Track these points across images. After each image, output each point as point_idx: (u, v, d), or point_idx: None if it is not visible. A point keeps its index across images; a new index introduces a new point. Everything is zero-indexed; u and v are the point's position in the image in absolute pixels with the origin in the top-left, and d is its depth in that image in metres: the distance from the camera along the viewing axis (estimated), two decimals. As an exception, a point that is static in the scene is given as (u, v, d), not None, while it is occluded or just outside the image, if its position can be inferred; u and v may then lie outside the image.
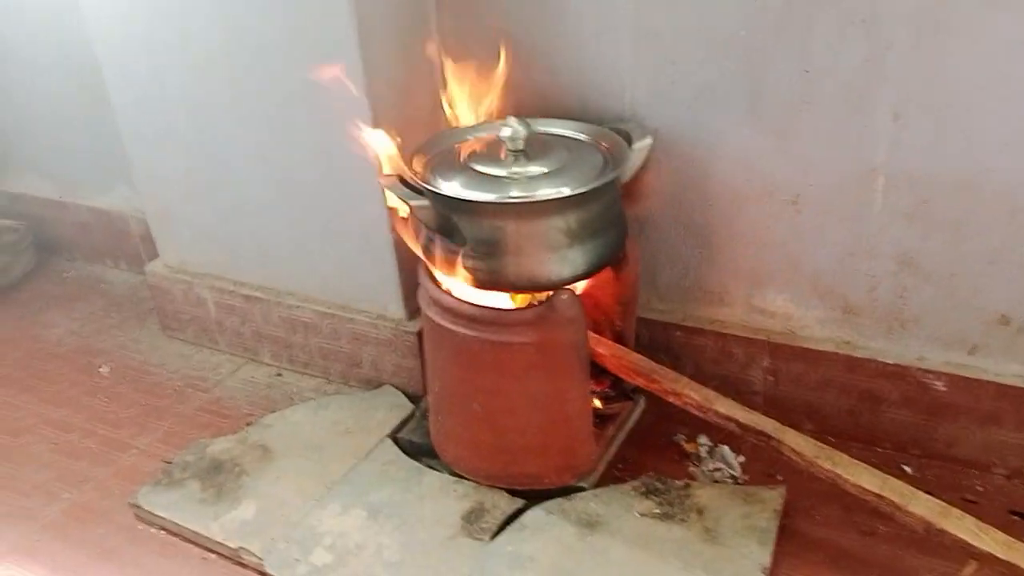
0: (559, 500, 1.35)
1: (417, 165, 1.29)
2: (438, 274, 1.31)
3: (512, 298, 1.31)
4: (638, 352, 1.39)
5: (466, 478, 1.42)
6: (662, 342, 1.57)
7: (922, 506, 1.10)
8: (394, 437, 1.54)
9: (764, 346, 1.48)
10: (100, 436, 1.66)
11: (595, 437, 1.41)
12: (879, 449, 1.46)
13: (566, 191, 1.20)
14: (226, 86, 1.54)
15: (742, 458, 1.45)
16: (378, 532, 1.34)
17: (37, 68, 2.08)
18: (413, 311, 1.61)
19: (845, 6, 1.20)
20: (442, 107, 1.53)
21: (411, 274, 1.50)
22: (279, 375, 1.80)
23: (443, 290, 1.30)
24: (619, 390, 1.50)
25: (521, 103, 1.49)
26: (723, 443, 1.48)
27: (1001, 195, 1.23)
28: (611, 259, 1.31)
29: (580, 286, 1.29)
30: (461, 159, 1.30)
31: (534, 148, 1.27)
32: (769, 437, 1.22)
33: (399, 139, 1.34)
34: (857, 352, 1.42)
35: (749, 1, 1.26)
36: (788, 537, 1.29)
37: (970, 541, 1.07)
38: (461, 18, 1.48)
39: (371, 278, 1.61)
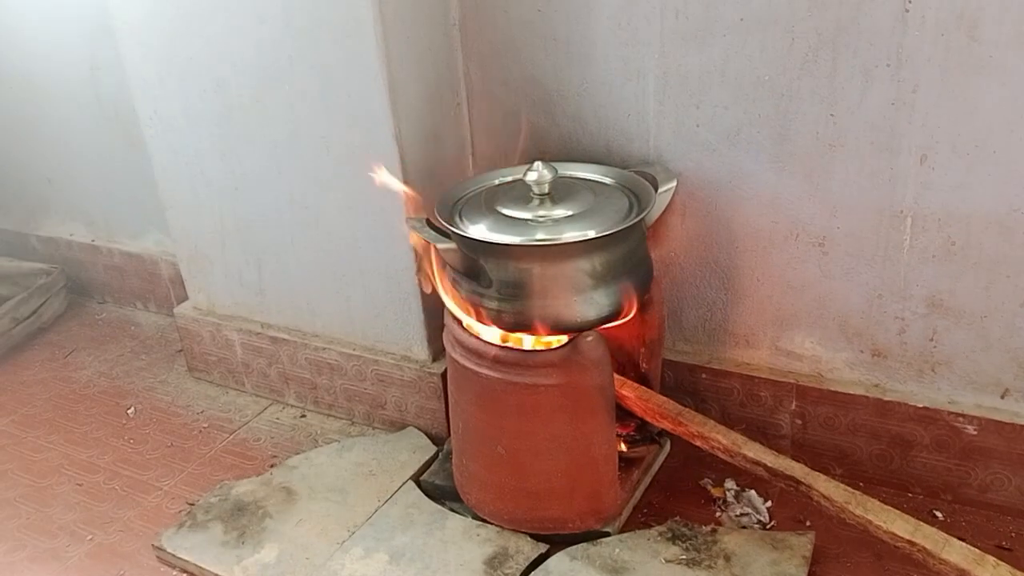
0: (584, 545, 1.34)
1: (444, 208, 1.30)
2: (462, 316, 1.31)
3: (537, 340, 1.31)
4: (663, 394, 1.38)
5: (489, 522, 1.40)
6: (688, 384, 1.56)
7: (956, 553, 1.08)
8: (417, 480, 1.53)
9: (792, 389, 1.47)
10: (125, 477, 1.67)
11: (620, 481, 1.39)
12: (910, 494, 1.43)
13: (591, 233, 1.20)
14: (258, 133, 1.58)
15: (770, 503, 1.43)
16: (401, 576, 1.33)
17: (75, 116, 2.14)
18: (437, 352, 1.62)
19: (870, 50, 1.21)
20: (469, 152, 1.56)
21: (436, 316, 1.51)
22: (303, 416, 1.81)
23: (468, 332, 1.31)
24: (644, 433, 1.48)
25: (547, 147, 1.50)
26: (750, 487, 1.46)
27: (1031, 236, 1.22)
28: (636, 301, 1.31)
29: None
30: (487, 202, 1.31)
31: (560, 191, 1.28)
32: (798, 482, 1.20)
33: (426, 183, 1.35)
34: (887, 395, 1.40)
35: (774, 45, 1.27)
36: (819, 585, 1.27)
37: (1007, 590, 1.04)
38: (487, 66, 1.51)
39: (396, 320, 1.62)
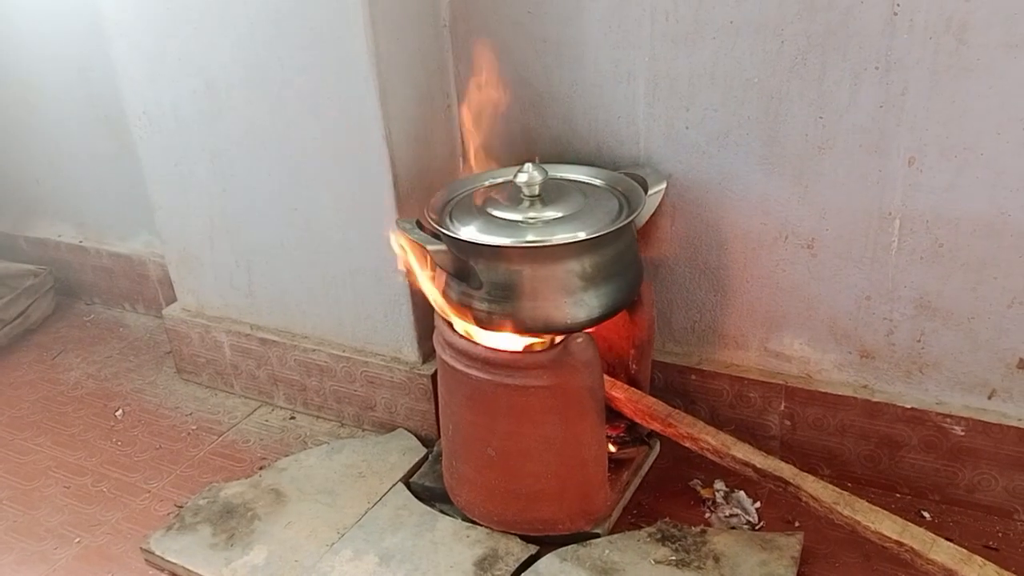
0: (574, 547, 1.34)
1: (434, 210, 1.30)
2: (452, 317, 1.31)
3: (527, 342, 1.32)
4: (653, 396, 1.38)
5: (479, 524, 1.40)
6: (677, 386, 1.56)
7: (943, 553, 1.09)
8: (407, 481, 1.53)
9: (780, 390, 1.48)
10: (114, 480, 1.66)
11: (610, 482, 1.39)
12: (898, 495, 1.44)
13: (582, 235, 1.21)
14: (248, 134, 1.57)
15: (759, 504, 1.44)
16: (391, 578, 1.33)
17: (64, 117, 2.13)
18: (427, 354, 1.61)
19: (859, 53, 1.22)
20: (459, 153, 1.56)
21: (426, 317, 1.51)
22: (293, 418, 1.80)
23: (458, 333, 1.31)
24: (634, 434, 1.48)
25: (537, 149, 1.50)
26: (739, 488, 1.46)
27: (1020, 237, 1.23)
28: (626, 302, 1.32)
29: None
30: (478, 204, 1.31)
31: (550, 193, 1.29)
32: (787, 483, 1.21)
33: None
34: (875, 396, 1.41)
35: (763, 48, 1.28)
36: (807, 586, 1.28)
37: (994, 590, 1.05)
38: (478, 67, 1.51)
39: (386, 321, 1.62)
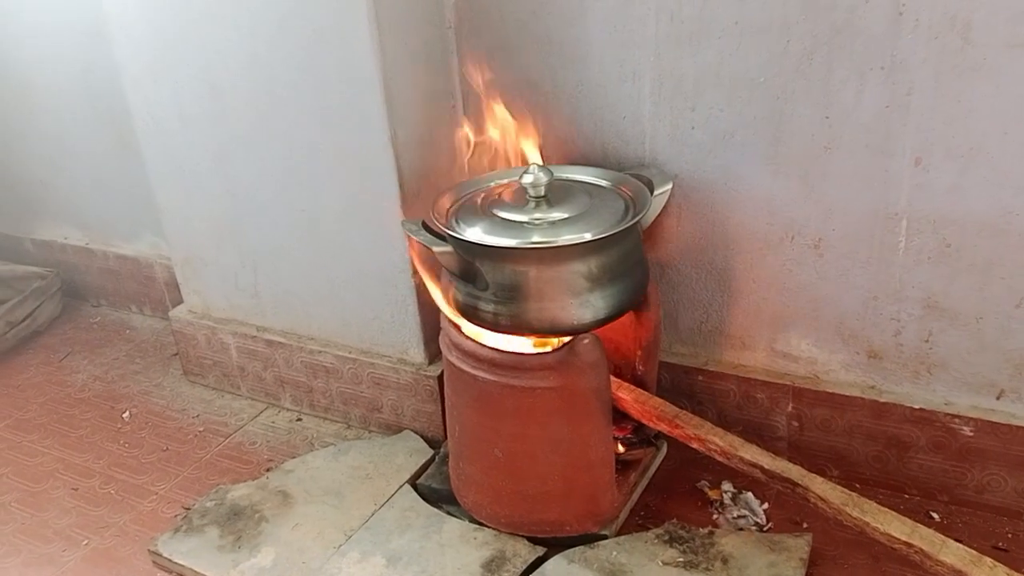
0: (581, 548, 1.33)
1: (440, 212, 1.30)
2: (458, 319, 1.31)
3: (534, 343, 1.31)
4: (660, 397, 1.38)
5: (486, 525, 1.40)
6: (684, 387, 1.56)
7: (953, 555, 1.08)
8: (414, 483, 1.53)
9: (788, 391, 1.47)
10: (121, 482, 1.66)
11: (617, 484, 1.39)
12: (906, 496, 1.43)
13: (587, 236, 1.20)
14: (253, 135, 1.57)
15: (767, 505, 1.43)
16: (398, 580, 1.33)
17: (70, 119, 2.14)
18: (433, 355, 1.61)
19: (865, 52, 1.21)
20: (465, 154, 1.55)
21: (432, 318, 1.51)
22: (299, 420, 1.81)
23: (464, 335, 1.31)
24: (641, 436, 1.48)
25: (543, 150, 1.50)
26: (747, 490, 1.46)
27: (1026, 238, 1.23)
28: (633, 303, 1.31)
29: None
30: (483, 205, 1.31)
31: (556, 194, 1.28)
32: (795, 484, 1.20)
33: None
34: (883, 397, 1.40)
35: (768, 48, 1.28)
36: (816, 587, 1.27)
37: (1004, 591, 1.04)
38: (483, 68, 1.51)
39: (392, 322, 1.62)
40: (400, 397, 1.66)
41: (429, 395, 1.62)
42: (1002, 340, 1.30)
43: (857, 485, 1.44)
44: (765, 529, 1.39)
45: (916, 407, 1.37)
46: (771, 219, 1.39)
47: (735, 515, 1.42)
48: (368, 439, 1.69)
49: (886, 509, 1.15)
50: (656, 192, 1.33)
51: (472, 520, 1.42)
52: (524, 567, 1.32)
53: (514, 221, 1.25)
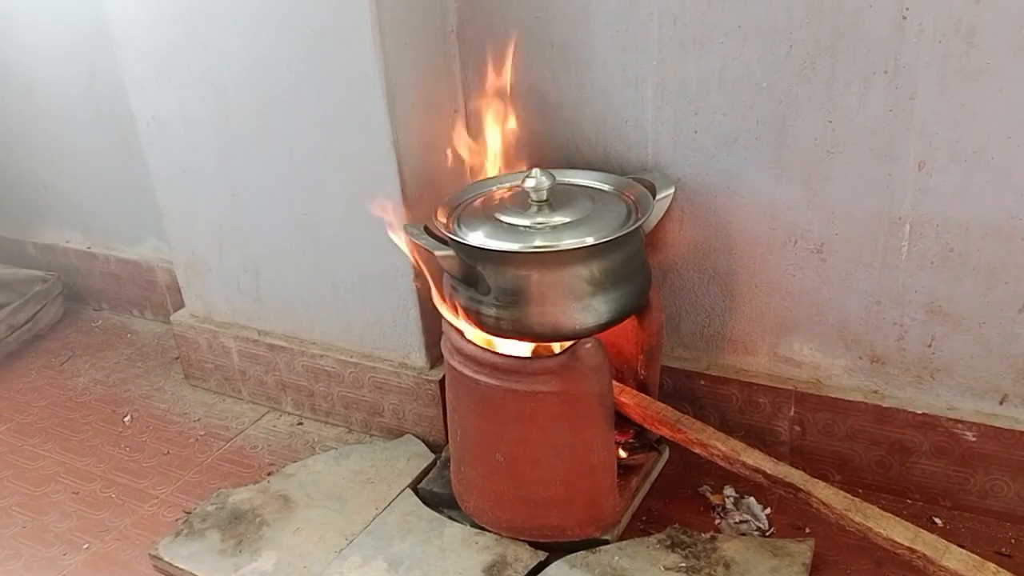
0: (583, 553, 1.33)
1: (442, 216, 1.30)
2: (460, 323, 1.31)
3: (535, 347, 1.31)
4: (662, 401, 1.38)
5: (488, 530, 1.40)
6: (686, 391, 1.55)
7: (956, 560, 1.08)
8: (415, 487, 1.53)
9: (790, 396, 1.47)
10: (122, 485, 1.66)
11: (619, 488, 1.39)
12: (909, 501, 1.43)
13: (590, 240, 1.20)
14: (256, 139, 1.57)
15: (769, 510, 1.43)
16: (400, 584, 1.32)
17: (72, 123, 2.14)
18: (435, 359, 1.61)
19: (868, 56, 1.21)
20: (467, 158, 1.55)
21: (434, 322, 1.50)
22: (301, 424, 1.80)
23: (466, 339, 1.30)
24: (643, 440, 1.48)
25: (545, 154, 1.50)
26: (749, 494, 1.45)
27: (1029, 243, 1.22)
28: (635, 308, 1.31)
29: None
30: (486, 209, 1.31)
31: (558, 198, 1.28)
32: (797, 489, 1.20)
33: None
34: (885, 402, 1.40)
35: (772, 52, 1.27)
36: (818, 592, 1.27)
37: (1008, 597, 1.04)
38: (486, 73, 1.51)
39: (394, 326, 1.61)
40: (402, 401, 1.66)
41: (431, 399, 1.61)
42: (1005, 345, 1.30)
43: (860, 490, 1.44)
44: (767, 534, 1.39)
45: (919, 412, 1.37)
46: (774, 223, 1.38)
47: (737, 520, 1.42)
48: (369, 443, 1.69)
49: (889, 514, 1.15)
50: (658, 196, 1.32)
51: (473, 525, 1.42)
52: (526, 572, 1.31)
53: (516, 225, 1.25)
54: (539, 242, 1.22)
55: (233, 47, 1.50)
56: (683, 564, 1.29)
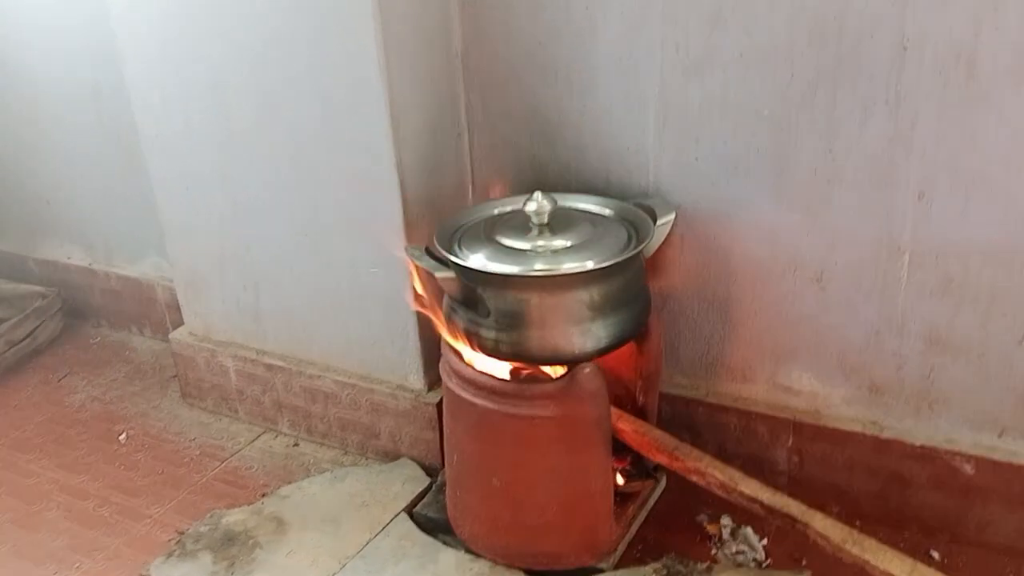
0: (578, 580, 1.32)
1: (443, 237, 1.30)
2: (459, 345, 1.31)
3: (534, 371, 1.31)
4: (660, 428, 1.37)
5: (483, 556, 1.39)
6: (684, 418, 1.55)
7: (955, 594, 1.07)
8: (410, 511, 1.52)
9: (789, 425, 1.46)
10: (115, 504, 1.65)
11: (616, 516, 1.38)
12: (907, 533, 1.42)
13: (590, 264, 1.20)
14: (259, 158, 1.58)
15: (766, 540, 1.42)
16: (392, 609, 1.31)
17: (76, 139, 2.15)
18: (433, 382, 1.61)
19: (869, 85, 1.22)
20: (469, 181, 1.56)
21: (433, 345, 1.50)
22: (296, 445, 1.79)
23: (464, 361, 1.30)
24: (640, 467, 1.47)
25: (547, 178, 1.51)
26: (746, 524, 1.44)
27: (1030, 274, 1.22)
28: (634, 333, 1.31)
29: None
30: (487, 232, 1.31)
31: (559, 222, 1.28)
32: (795, 520, 1.19)
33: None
34: (884, 433, 1.39)
35: (773, 80, 1.28)
36: (815, 625, 1.25)
37: (1007, 633, 1.03)
38: (489, 95, 1.52)
39: (393, 348, 1.61)
40: (398, 424, 1.65)
41: (428, 422, 1.61)
42: (1004, 377, 1.30)
43: (857, 522, 1.42)
44: (764, 565, 1.38)
45: (917, 443, 1.36)
46: (774, 251, 1.38)
47: (734, 550, 1.40)
48: (365, 466, 1.68)
49: (886, 547, 1.14)
50: (659, 222, 1.33)
51: (468, 551, 1.41)
52: (520, 599, 1.30)
53: (517, 248, 1.25)
54: (540, 265, 1.22)
55: (239, 68, 1.51)
56: (679, 593, 1.28)
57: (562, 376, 1.24)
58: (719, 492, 1.26)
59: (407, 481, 1.59)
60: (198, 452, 1.80)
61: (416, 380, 1.62)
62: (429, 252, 1.29)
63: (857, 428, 1.41)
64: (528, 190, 1.30)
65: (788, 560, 1.38)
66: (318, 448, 1.78)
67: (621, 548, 1.41)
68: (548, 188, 1.33)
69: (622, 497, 1.44)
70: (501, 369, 1.30)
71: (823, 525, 1.17)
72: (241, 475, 1.71)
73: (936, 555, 1.37)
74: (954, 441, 1.35)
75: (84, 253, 2.33)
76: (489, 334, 1.24)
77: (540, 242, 1.25)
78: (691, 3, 1.30)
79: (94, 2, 1.85)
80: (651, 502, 1.51)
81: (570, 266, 1.21)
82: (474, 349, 1.28)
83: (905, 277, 1.30)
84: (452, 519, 1.44)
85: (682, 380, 1.56)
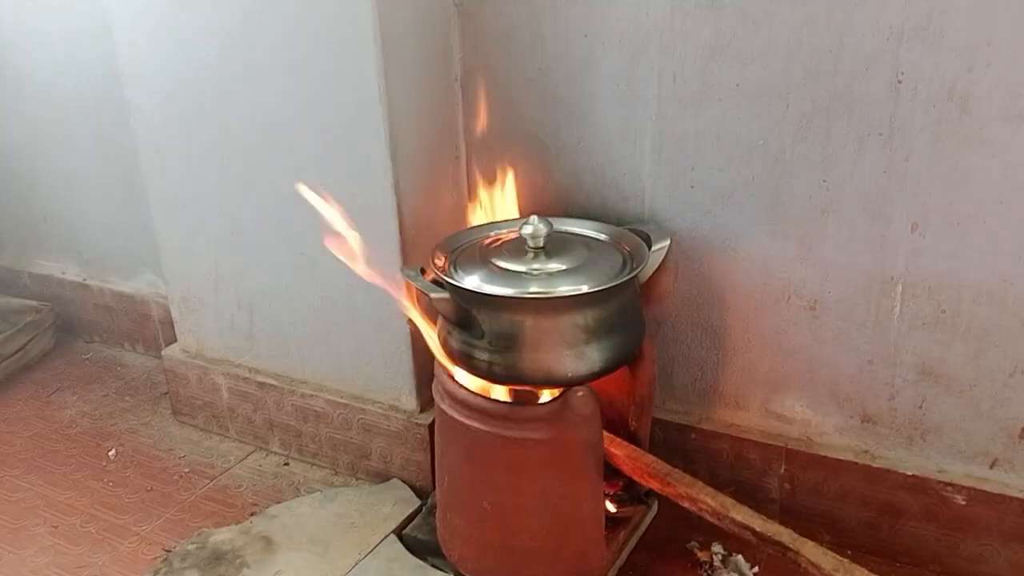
0: (568, 606, 1.31)
1: (439, 259, 1.31)
2: (453, 367, 1.31)
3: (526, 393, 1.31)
4: (652, 453, 1.37)
5: (473, 579, 1.38)
6: (677, 444, 1.55)
7: (946, 626, 1.06)
8: (400, 533, 1.51)
9: (781, 452, 1.46)
10: (102, 521, 1.64)
11: (607, 541, 1.37)
12: (898, 564, 1.41)
13: (585, 288, 1.21)
14: (257, 178, 1.59)
15: (757, 568, 1.41)
16: (380, 632, 1.30)
17: (74, 156, 2.15)
18: (425, 403, 1.60)
19: (864, 119, 1.23)
20: (465, 204, 1.57)
21: (426, 365, 1.50)
22: (287, 464, 1.79)
23: (457, 383, 1.30)
24: (632, 493, 1.47)
25: (543, 202, 1.52)
26: (738, 552, 1.44)
27: (1023, 306, 1.23)
28: (628, 358, 1.31)
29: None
30: (482, 254, 1.32)
31: (555, 246, 1.29)
32: (786, 548, 1.19)
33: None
34: (876, 462, 1.39)
35: (769, 111, 1.30)
36: (805, 655, 1.24)
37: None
38: (487, 120, 1.53)
39: (386, 368, 1.61)
40: (390, 444, 1.64)
41: (419, 443, 1.60)
42: (996, 409, 1.30)
43: (849, 551, 1.42)
44: (755, 593, 1.37)
45: (909, 474, 1.37)
46: (767, 279, 1.39)
47: (725, 578, 1.40)
48: (355, 487, 1.67)
49: (877, 576, 1.14)
50: (654, 248, 1.33)
51: (457, 574, 1.40)
52: (509, 623, 1.29)
53: (512, 271, 1.26)
54: (534, 288, 1.22)
55: (239, 89, 1.52)
56: (669, 620, 1.28)
57: (555, 399, 1.24)
58: (711, 519, 1.26)
59: (397, 503, 1.58)
60: (187, 470, 1.79)
61: (408, 401, 1.61)
62: (425, 273, 1.30)
63: (849, 457, 1.41)
64: (524, 214, 1.31)
65: (778, 589, 1.38)
66: (308, 468, 1.77)
67: (611, 574, 1.41)
68: (544, 212, 1.34)
69: (613, 522, 1.43)
70: (497, 391, 1.30)
71: (814, 554, 1.17)
72: (230, 494, 1.70)
73: (926, 587, 1.37)
74: (946, 472, 1.36)
75: (79, 268, 2.33)
76: (483, 356, 1.24)
77: (536, 265, 1.26)
78: (688, 35, 1.32)
79: (95, 20, 1.87)
80: (642, 528, 1.51)
81: (565, 289, 1.21)
82: (467, 371, 1.28)
83: (898, 309, 1.31)
84: (442, 541, 1.43)
85: (675, 406, 1.57)
